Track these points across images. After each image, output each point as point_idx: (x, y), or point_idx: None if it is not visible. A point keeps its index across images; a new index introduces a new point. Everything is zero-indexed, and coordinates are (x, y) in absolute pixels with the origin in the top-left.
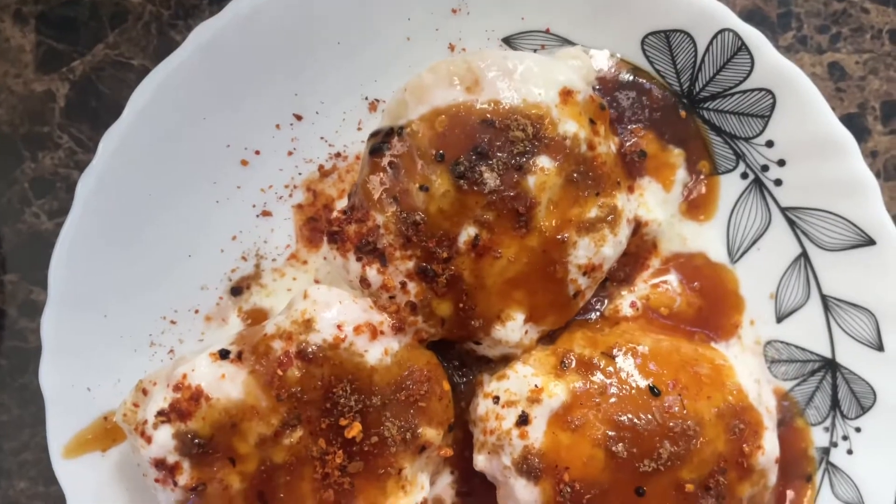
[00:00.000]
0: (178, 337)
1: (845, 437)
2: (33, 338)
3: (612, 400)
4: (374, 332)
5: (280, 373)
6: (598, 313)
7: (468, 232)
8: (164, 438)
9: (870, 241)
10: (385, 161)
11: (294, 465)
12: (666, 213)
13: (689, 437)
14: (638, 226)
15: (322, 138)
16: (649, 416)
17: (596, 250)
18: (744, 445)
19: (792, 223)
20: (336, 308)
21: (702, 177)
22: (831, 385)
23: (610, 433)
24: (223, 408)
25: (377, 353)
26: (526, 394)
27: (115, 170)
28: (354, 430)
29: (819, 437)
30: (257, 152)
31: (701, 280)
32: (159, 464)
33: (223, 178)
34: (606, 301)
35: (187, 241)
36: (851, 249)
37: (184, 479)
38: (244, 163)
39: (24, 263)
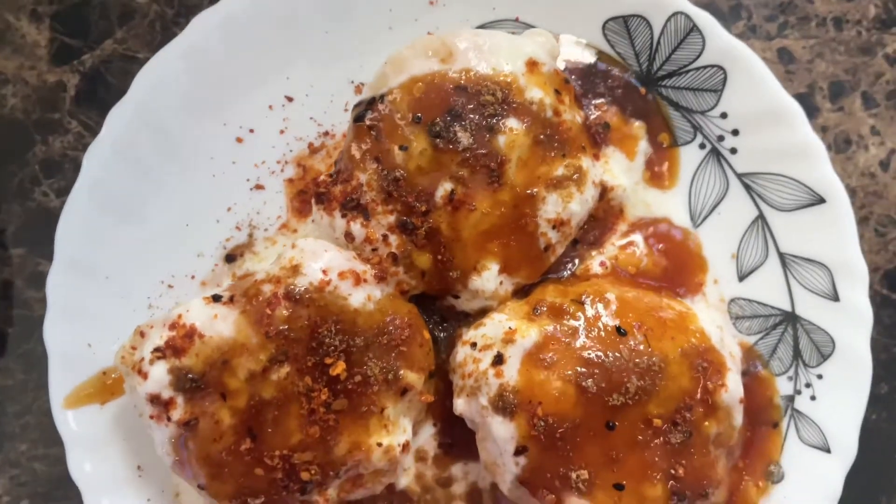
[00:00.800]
0: (175, 300)
1: (808, 385)
2: (39, 307)
3: (581, 340)
4: (358, 279)
5: (269, 312)
6: (569, 272)
7: (444, 187)
8: (159, 374)
9: (820, 200)
10: (368, 126)
11: (281, 401)
12: (630, 180)
13: (655, 372)
14: (604, 191)
15: (311, 118)
16: (616, 354)
17: (564, 206)
18: (707, 383)
19: (748, 188)
20: (322, 256)
21: (663, 146)
22: (793, 336)
23: (580, 370)
24: (215, 345)
25: (360, 297)
26: (500, 336)
27: (120, 145)
28: (338, 369)
29: (784, 386)
30: (251, 131)
31: (666, 242)
32: (154, 399)
33: (219, 154)
34: (577, 261)
35: (185, 212)
36: (804, 209)
37: (177, 414)
38: (239, 140)
39: (32, 238)
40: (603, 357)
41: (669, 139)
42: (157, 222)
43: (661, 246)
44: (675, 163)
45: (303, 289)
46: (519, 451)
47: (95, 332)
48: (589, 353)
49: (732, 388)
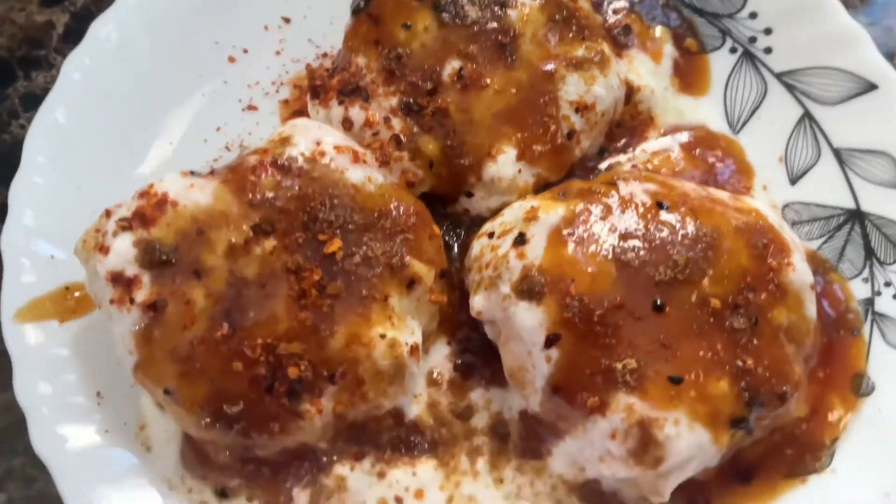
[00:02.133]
0: None
1: (888, 284)
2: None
3: (616, 215)
4: (357, 157)
5: (253, 179)
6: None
7: (452, 65)
8: (123, 247)
9: (871, 87)
10: (367, 14)
11: (266, 280)
12: (658, 84)
13: (707, 245)
14: (630, 92)
15: (310, 40)
16: (659, 227)
17: (587, 88)
18: (770, 260)
19: (789, 87)
20: (316, 130)
21: (691, 52)
22: (861, 235)
23: (617, 242)
24: (190, 215)
25: (359, 175)
26: (521, 216)
27: (102, 54)
28: (334, 246)
29: (859, 290)
30: (245, 51)
31: (704, 146)
32: (116, 278)
33: (209, 72)
34: (605, 169)
35: (170, 129)
36: (854, 99)
37: (142, 294)
38: (231, 59)
39: (6, 171)
40: (643, 230)
41: (697, 45)
42: (137, 137)
43: (698, 151)
44: (705, 70)
45: (293, 157)
46: (550, 342)
47: (59, 244)
48: (627, 226)
49: (800, 268)
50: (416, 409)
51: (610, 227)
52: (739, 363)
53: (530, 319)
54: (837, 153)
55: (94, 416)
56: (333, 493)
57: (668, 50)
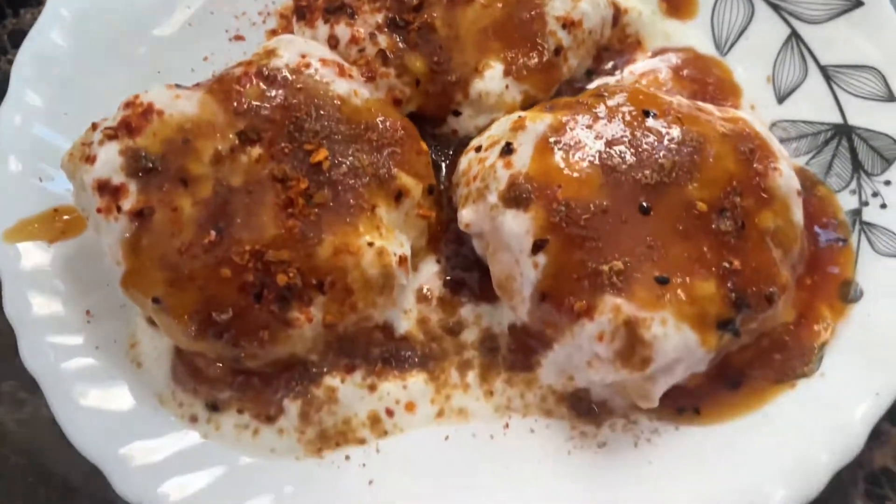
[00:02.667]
0: None
1: (875, 194)
2: None
3: (603, 122)
4: (343, 71)
5: (239, 88)
6: None
7: None
8: (109, 156)
9: (857, 4)
10: None
11: (253, 188)
12: (645, 7)
13: (693, 149)
14: (618, 14)
15: None
16: (646, 133)
17: (573, 4)
18: (757, 165)
19: (776, 7)
20: (302, 43)
21: None
22: (849, 148)
23: (603, 148)
24: (177, 123)
25: (345, 87)
26: (508, 127)
27: None
28: (320, 156)
29: (847, 201)
30: None
31: (691, 68)
32: (103, 186)
33: (196, 2)
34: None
35: (156, 59)
36: (840, 16)
37: (129, 203)
38: None
39: None
40: (630, 136)
41: None
42: (125, 69)
43: (686, 72)
44: None
45: (278, 68)
46: (538, 247)
47: (46, 167)
48: (613, 132)
49: (787, 174)
50: (406, 325)
51: (596, 134)
52: (726, 265)
53: (517, 226)
54: (824, 70)
55: (84, 334)
56: (324, 405)
57: None
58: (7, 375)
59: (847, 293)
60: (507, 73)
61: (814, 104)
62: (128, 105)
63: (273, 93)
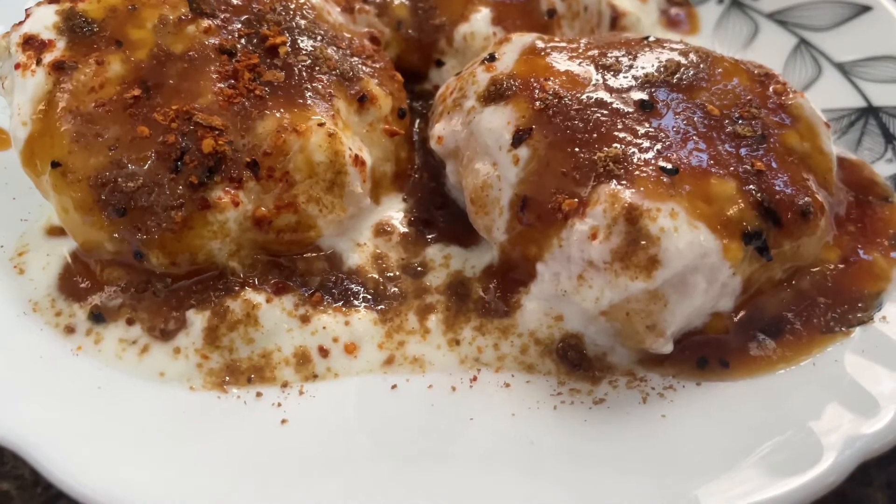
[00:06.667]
0: None
1: None
2: None
3: (600, 47)
4: None
5: None
6: None
7: None
8: (44, 14)
9: (865, 9)
10: None
11: (196, 57)
12: (646, 19)
13: (701, 59)
14: (616, 16)
15: None
16: (646, 47)
17: None
18: (771, 85)
19: (782, 23)
20: None
21: (680, 10)
22: (878, 125)
23: (598, 52)
24: None
25: (320, 2)
26: (492, 45)
27: None
28: (278, 39)
29: (884, 169)
30: None
31: None
32: (28, 41)
33: None
34: None
35: None
36: (849, 21)
37: (51, 56)
38: None
39: None
40: (628, 48)
41: None
42: None
43: None
44: (693, 17)
45: None
46: (519, 138)
47: None
48: (610, 42)
49: (810, 104)
50: (357, 258)
51: (589, 46)
52: (748, 166)
53: (497, 120)
54: (840, 66)
55: None
56: (239, 324)
57: None
58: None
59: None
60: (495, 21)
61: (833, 95)
62: None
63: None
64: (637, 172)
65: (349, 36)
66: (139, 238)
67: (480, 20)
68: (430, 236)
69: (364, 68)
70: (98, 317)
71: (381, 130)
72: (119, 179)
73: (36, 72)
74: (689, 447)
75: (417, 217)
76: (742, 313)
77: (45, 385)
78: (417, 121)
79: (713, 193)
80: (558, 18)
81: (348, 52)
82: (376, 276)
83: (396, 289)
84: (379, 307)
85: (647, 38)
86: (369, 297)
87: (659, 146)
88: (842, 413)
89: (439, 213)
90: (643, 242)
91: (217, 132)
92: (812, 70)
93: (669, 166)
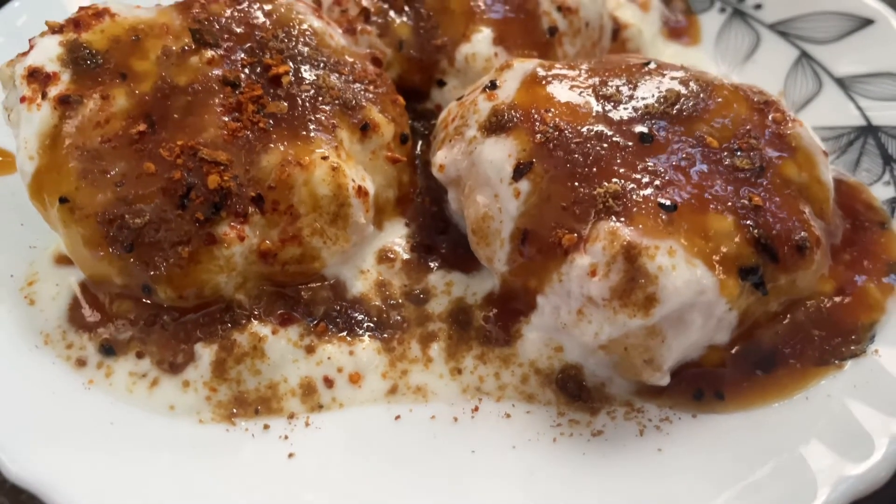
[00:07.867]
0: None
1: None
2: None
3: (599, 70)
4: (320, 15)
5: (203, 1)
6: None
7: None
8: (48, 45)
9: (867, 22)
10: None
11: (200, 88)
12: (647, 28)
13: (700, 88)
14: (618, 28)
15: None
16: (647, 75)
17: None
18: (770, 114)
19: (783, 34)
20: None
21: (680, 11)
22: (877, 145)
23: (599, 79)
24: (129, 24)
25: (320, 24)
26: (493, 71)
27: None
28: (281, 69)
29: (881, 192)
30: None
31: None
32: (33, 74)
33: None
34: None
35: None
36: (850, 35)
37: (56, 90)
38: None
39: None
40: (629, 74)
41: (685, 6)
42: None
43: None
44: (695, 27)
45: None
46: (520, 172)
47: None
48: (610, 72)
49: (808, 132)
50: (360, 286)
51: (591, 72)
52: (745, 201)
53: (498, 152)
54: (840, 81)
55: None
56: (246, 356)
57: (657, 3)
58: None
59: None
60: (496, 41)
61: (832, 112)
62: (82, 9)
63: (241, 10)
64: (636, 209)
65: (351, 60)
66: (145, 276)
67: (482, 40)
68: (432, 262)
69: (366, 94)
70: (108, 350)
71: (384, 158)
72: (126, 216)
73: (41, 106)
74: (683, 480)
75: (419, 243)
76: (737, 347)
77: (61, 423)
78: (420, 142)
79: (711, 229)
80: (560, 36)
81: (350, 77)
82: (380, 303)
83: (399, 316)
84: (383, 335)
85: (648, 63)
86: (373, 325)
87: (658, 182)
88: (834, 448)
89: (441, 238)
90: (642, 281)
91: (222, 167)
92: (813, 85)
93: (668, 203)
